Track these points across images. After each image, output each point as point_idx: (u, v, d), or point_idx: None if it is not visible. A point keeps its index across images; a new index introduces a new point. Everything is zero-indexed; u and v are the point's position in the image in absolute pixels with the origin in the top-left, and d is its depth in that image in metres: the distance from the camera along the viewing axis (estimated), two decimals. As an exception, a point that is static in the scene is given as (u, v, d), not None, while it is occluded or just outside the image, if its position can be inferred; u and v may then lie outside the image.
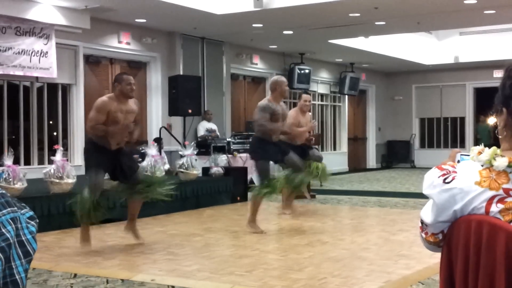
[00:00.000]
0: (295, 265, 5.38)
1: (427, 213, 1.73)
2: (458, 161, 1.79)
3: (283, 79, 7.43)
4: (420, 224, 1.78)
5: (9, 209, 1.31)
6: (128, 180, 6.23)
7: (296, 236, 6.90)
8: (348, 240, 6.72)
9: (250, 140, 8.12)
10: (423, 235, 1.77)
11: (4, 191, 1.34)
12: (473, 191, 1.63)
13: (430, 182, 1.70)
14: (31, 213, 1.39)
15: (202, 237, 6.91)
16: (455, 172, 1.68)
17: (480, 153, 1.68)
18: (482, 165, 1.66)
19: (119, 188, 6.56)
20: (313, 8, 10.42)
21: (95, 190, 6.00)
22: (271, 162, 7.50)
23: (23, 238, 1.32)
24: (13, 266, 1.29)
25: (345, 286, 4.67)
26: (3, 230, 1.27)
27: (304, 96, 9.03)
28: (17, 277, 1.29)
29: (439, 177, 1.68)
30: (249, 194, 10.02)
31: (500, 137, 1.73)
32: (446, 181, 1.66)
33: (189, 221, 8.19)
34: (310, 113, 9.22)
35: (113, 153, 6.15)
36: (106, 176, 6.40)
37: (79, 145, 10.54)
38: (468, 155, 1.75)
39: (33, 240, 1.34)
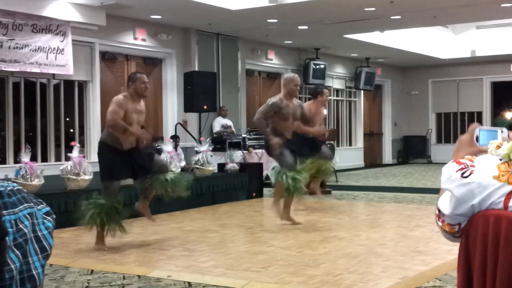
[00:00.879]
0: (311, 261, 5.37)
1: (445, 204, 1.71)
2: (477, 137, 1.77)
3: (294, 78, 7.28)
4: (437, 212, 1.75)
5: (25, 204, 1.31)
6: (148, 173, 6.21)
7: (311, 232, 6.88)
8: (364, 236, 6.69)
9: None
10: (440, 223, 1.75)
11: (20, 187, 1.34)
12: (492, 185, 1.61)
13: (448, 176, 1.68)
14: (48, 208, 1.39)
15: (217, 233, 6.92)
16: (473, 166, 1.66)
17: (498, 147, 1.66)
18: (500, 159, 1.64)
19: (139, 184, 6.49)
20: (328, 3, 10.38)
21: (110, 197, 6.01)
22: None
23: (39, 234, 1.32)
24: (30, 262, 1.29)
25: (361, 282, 4.65)
26: (21, 226, 1.27)
27: (326, 91, 8.93)
28: (34, 272, 1.29)
29: (457, 171, 1.66)
30: (265, 190, 10.02)
31: (518, 131, 1.71)
32: (464, 175, 1.65)
33: (205, 217, 8.20)
34: (325, 112, 9.06)
35: (126, 153, 6.08)
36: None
37: (96, 142, 10.55)
38: (488, 130, 1.73)
39: (49, 235, 1.34)
